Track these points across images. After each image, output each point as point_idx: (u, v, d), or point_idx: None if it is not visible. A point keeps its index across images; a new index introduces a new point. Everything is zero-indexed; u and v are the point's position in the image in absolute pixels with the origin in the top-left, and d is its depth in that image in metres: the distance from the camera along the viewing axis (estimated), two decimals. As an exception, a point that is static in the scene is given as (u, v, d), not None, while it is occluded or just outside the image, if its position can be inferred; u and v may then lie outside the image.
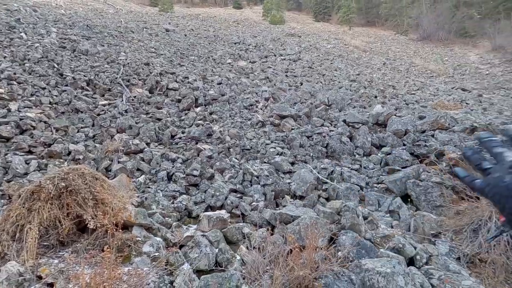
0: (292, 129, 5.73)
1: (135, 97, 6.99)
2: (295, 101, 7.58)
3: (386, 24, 39.17)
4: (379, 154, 5.30)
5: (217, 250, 2.91)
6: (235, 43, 16.48)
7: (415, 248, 2.94)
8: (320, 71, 13.47)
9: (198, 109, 6.77)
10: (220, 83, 8.81)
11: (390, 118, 6.29)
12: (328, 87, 10.70)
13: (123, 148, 4.76)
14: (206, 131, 5.47)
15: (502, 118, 8.06)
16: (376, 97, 10.44)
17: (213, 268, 2.74)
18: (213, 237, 3.01)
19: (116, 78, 7.47)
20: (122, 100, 6.65)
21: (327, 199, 4.13)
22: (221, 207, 3.62)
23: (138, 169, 4.42)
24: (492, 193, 0.54)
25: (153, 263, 2.47)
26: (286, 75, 11.96)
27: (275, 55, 15.26)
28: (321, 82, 11.51)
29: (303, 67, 13.62)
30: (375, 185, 4.58)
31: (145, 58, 9.73)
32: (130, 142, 4.87)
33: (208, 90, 7.82)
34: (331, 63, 15.76)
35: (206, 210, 3.57)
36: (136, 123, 5.76)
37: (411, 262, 2.86)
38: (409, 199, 4.13)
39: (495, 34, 24.56)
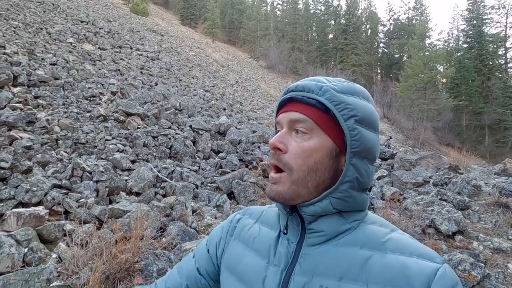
0: (138, 127, 5.72)
1: None
2: (146, 101, 7.52)
3: (244, 47, 44.43)
4: (216, 159, 6.16)
5: (26, 249, 2.62)
6: (82, 21, 14.19)
7: (227, 231, 3.74)
8: (177, 76, 13.76)
9: (16, 89, 5.48)
10: (54, 64, 7.44)
11: (230, 128, 7.41)
12: (183, 93, 11.15)
13: None
14: (26, 117, 4.58)
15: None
16: (224, 109, 11.79)
17: (19, 269, 2.46)
18: (22, 236, 2.68)
19: None
20: None
21: (164, 196, 4.45)
22: (39, 204, 3.22)
23: None
24: None
25: None
26: (141, 72, 11.50)
27: (131, 48, 14.29)
28: (177, 87, 11.81)
29: (160, 68, 13.48)
30: (209, 184, 5.32)
31: None
32: None
33: (36, 69, 6.48)
34: (190, 70, 16.39)
35: (16, 208, 3.08)
36: None
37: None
38: (232, 195, 5.09)
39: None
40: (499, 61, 34.87)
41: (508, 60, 35.20)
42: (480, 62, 33.28)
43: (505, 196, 4.78)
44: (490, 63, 33.76)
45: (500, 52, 35.17)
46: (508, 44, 35.19)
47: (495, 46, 34.56)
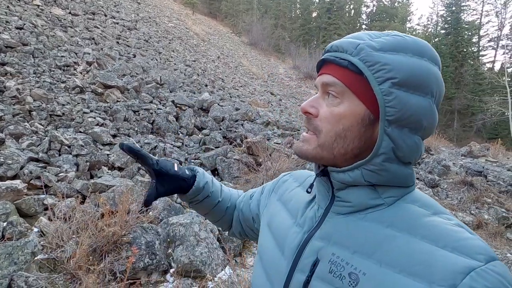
0: (118, 101, 5.48)
1: None
2: (125, 73, 7.15)
3: (225, 21, 42.65)
4: (199, 135, 6.09)
5: (5, 224, 2.53)
6: (49, -18, 12.88)
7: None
8: (157, 48, 13.11)
9: (-20, 55, 5.00)
10: (21, 28, 6.80)
11: (213, 105, 7.29)
12: (163, 66, 10.70)
13: None
14: (-7, 85, 4.23)
15: (290, 119, 11.10)
16: (206, 85, 11.51)
17: (0, 243, 2.38)
18: (0, 210, 2.57)
19: None
20: None
21: (147, 171, 4.39)
22: (15, 177, 3.08)
23: None
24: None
25: None
26: (118, 42, 10.82)
27: (105, 15, 13.30)
28: (156, 59, 11.29)
29: (138, 39, 12.75)
30: (193, 160, 5.29)
31: None
32: None
33: (0, 33, 5.91)
34: (169, 43, 15.64)
35: (-11, 181, 2.92)
36: None
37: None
38: (216, 172, 5.11)
39: (295, 56, 32.68)
40: (472, 48, 36.30)
41: (480, 48, 36.74)
42: (456, 48, 34.46)
43: (470, 175, 5.19)
44: (465, 50, 35.06)
45: (474, 40, 36.54)
46: (481, 32, 36.61)
47: (470, 33, 35.78)
